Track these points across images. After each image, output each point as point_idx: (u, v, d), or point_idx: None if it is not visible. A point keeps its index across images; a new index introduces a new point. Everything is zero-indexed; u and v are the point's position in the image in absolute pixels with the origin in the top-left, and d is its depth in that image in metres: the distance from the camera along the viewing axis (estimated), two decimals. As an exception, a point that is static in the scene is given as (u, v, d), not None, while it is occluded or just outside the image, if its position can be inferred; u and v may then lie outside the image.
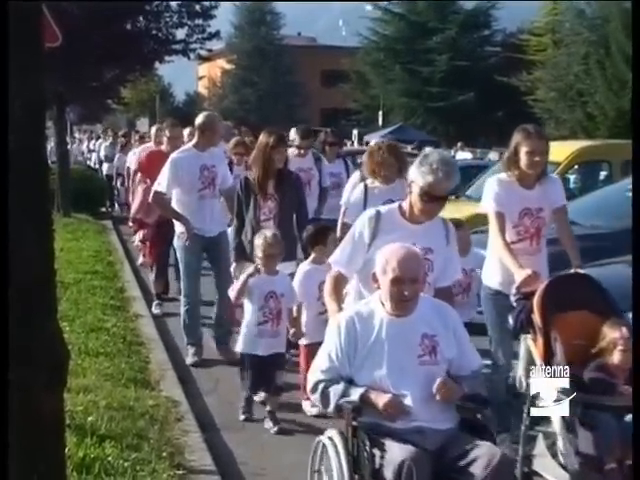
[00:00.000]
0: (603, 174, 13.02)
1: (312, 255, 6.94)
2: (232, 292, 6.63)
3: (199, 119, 8.17)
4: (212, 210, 8.11)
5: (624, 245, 5.27)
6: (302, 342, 6.74)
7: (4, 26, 2.90)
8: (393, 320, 4.22)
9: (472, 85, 47.31)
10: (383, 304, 4.26)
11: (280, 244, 6.55)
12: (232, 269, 7.43)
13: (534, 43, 46.35)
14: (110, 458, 5.05)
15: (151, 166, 9.24)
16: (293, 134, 9.81)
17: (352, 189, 7.84)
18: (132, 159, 13.85)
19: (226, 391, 7.17)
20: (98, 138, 30.02)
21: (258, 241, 6.50)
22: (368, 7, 54.79)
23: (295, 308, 6.64)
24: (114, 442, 5.29)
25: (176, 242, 8.25)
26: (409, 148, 28.77)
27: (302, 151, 9.23)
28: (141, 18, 19.94)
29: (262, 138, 7.27)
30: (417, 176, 4.72)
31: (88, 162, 30.16)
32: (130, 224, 10.28)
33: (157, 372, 7.33)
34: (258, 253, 6.49)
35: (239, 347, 6.51)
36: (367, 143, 32.95)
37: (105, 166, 23.39)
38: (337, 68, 55.78)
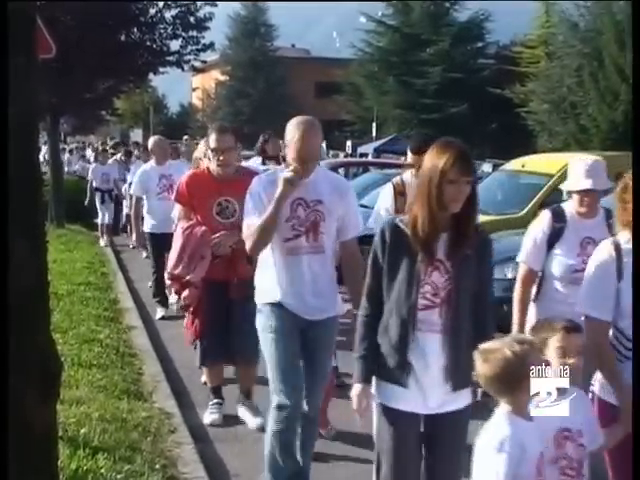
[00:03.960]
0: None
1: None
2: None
3: (290, 128, 4.91)
4: (314, 276, 5.02)
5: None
6: None
7: (4, 29, 2.91)
8: None
9: (466, 97, 47.38)
10: None
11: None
12: (353, 395, 3.98)
13: (527, 55, 46.46)
14: (103, 470, 5.05)
15: (193, 196, 6.49)
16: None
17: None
18: (136, 179, 10.95)
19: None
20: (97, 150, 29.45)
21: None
22: (362, 19, 54.91)
23: None
24: (107, 454, 5.29)
25: (258, 321, 5.17)
26: (402, 160, 28.87)
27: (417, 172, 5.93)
28: (135, 29, 20.04)
29: (429, 159, 3.86)
30: None
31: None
32: (167, 282, 6.93)
33: (150, 384, 7.31)
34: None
35: None
36: (361, 154, 33.08)
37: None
38: (331, 80, 55.84)
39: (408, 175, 6.37)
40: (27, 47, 3.02)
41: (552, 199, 12.21)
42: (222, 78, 63.57)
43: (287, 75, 61.00)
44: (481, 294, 3.91)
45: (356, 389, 3.95)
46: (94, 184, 17.77)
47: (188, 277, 6.40)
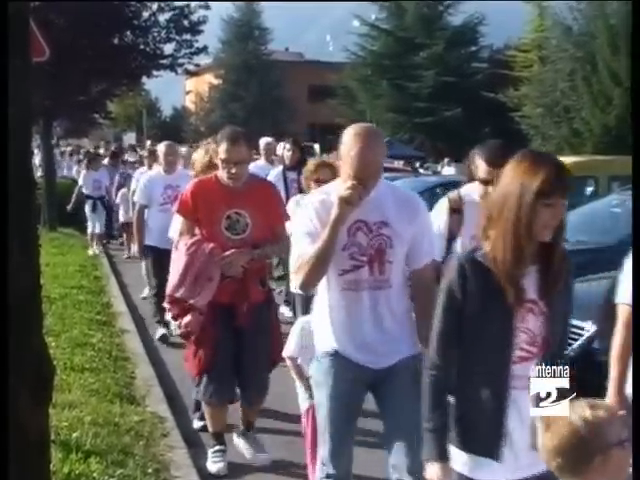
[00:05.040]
0: (589, 190, 13.10)
1: None
2: None
3: (346, 138, 4.03)
4: (377, 316, 4.11)
5: (610, 261, 5.28)
6: None
7: (4, 30, 2.91)
8: None
9: (459, 101, 47.48)
10: None
11: None
12: (431, 477, 3.22)
13: (520, 59, 46.53)
14: (95, 474, 5.04)
15: (198, 207, 5.63)
16: (477, 158, 5.10)
17: None
18: (140, 186, 10.10)
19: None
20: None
21: None
22: (355, 23, 54.95)
23: None
24: (99, 458, 5.28)
25: (314, 373, 4.36)
26: (395, 163, 28.90)
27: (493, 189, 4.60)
28: (129, 33, 20.07)
29: (516, 175, 3.07)
30: None
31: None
32: (166, 306, 5.87)
33: (143, 388, 7.30)
34: None
35: None
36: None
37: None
38: (324, 83, 55.84)
39: (467, 190, 5.27)
40: (22, 49, 3.01)
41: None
42: (215, 81, 63.57)
43: (280, 78, 61.01)
44: (562, 323, 3.31)
45: (434, 470, 3.17)
46: (85, 191, 17.00)
47: (192, 301, 5.48)
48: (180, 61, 20.93)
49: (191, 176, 9.41)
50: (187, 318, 5.53)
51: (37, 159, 21.15)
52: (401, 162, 29.39)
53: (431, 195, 15.69)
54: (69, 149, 36.75)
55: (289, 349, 5.15)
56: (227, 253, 5.50)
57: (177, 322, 5.79)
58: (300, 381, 5.23)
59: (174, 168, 9.70)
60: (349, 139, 3.99)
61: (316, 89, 60.87)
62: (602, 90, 34.32)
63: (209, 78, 61.80)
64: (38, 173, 19.73)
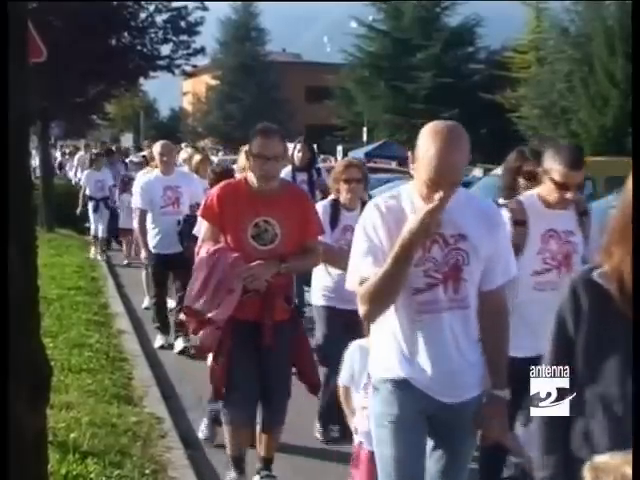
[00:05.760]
0: (587, 191, 13.12)
1: None
2: None
3: (424, 137, 3.46)
4: (456, 341, 3.54)
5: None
6: None
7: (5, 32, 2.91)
8: None
9: (456, 102, 47.45)
10: None
11: None
12: None
13: (518, 60, 46.57)
14: (93, 475, 5.04)
15: (224, 212, 5.12)
16: (550, 161, 4.68)
17: None
18: (139, 190, 9.35)
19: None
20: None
21: None
22: (353, 24, 54.95)
23: None
24: (97, 459, 5.27)
25: (373, 404, 3.72)
26: (393, 164, 28.91)
27: (571, 194, 4.60)
28: (126, 34, 20.07)
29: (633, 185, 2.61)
30: None
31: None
32: (182, 317, 5.64)
33: (140, 388, 7.30)
34: None
35: None
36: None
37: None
38: (322, 84, 55.88)
39: (528, 197, 4.71)
40: (21, 51, 3.01)
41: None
42: (213, 82, 63.54)
43: (278, 79, 61.01)
44: None
45: None
46: (87, 192, 16.25)
47: (210, 315, 4.98)
48: (177, 62, 20.93)
49: (191, 176, 9.61)
50: (202, 332, 5.13)
51: (34, 160, 21.12)
52: (393, 163, 29.40)
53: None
54: (67, 150, 36.73)
55: (343, 378, 4.65)
56: (251, 265, 4.99)
57: (194, 335, 5.39)
58: (348, 413, 4.69)
59: (171, 168, 9.30)
60: (427, 137, 3.43)
61: (314, 90, 60.91)
62: (599, 91, 34.36)
63: (206, 79, 61.79)
64: (36, 174, 19.72)
